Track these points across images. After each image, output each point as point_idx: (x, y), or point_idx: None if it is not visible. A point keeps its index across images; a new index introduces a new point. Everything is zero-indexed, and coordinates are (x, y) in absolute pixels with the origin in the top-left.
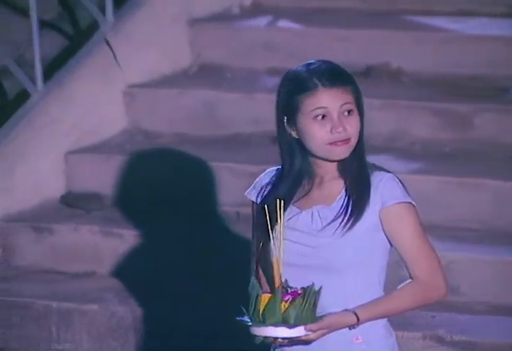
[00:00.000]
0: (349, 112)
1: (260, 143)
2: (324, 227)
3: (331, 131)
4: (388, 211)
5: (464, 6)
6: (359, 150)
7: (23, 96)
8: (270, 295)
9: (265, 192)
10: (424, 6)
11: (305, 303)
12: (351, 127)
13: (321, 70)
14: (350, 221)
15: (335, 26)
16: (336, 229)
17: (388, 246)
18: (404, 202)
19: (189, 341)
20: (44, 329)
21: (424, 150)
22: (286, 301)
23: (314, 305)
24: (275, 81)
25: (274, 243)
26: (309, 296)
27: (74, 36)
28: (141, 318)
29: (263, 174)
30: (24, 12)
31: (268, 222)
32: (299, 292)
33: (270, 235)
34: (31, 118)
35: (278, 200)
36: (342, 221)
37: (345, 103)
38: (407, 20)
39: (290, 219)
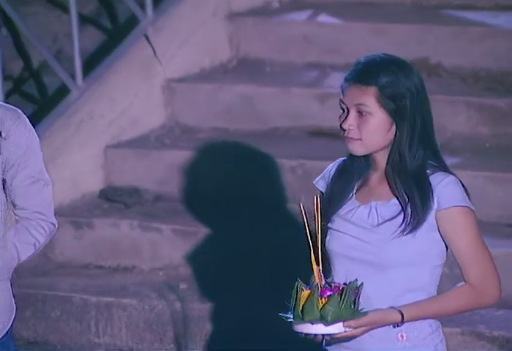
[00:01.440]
0: (362, 113)
1: (298, 137)
2: (380, 224)
3: (342, 126)
4: (444, 214)
5: (500, 0)
6: (399, 152)
7: (63, 91)
8: (310, 291)
9: (329, 182)
10: (464, 0)
11: (343, 300)
12: (364, 128)
13: (358, 64)
14: (409, 228)
15: (374, 20)
16: (394, 230)
17: (444, 247)
18: (462, 206)
19: (231, 337)
20: (84, 323)
21: (463, 145)
22: (325, 297)
23: (354, 301)
24: (313, 75)
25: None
26: (347, 292)
27: (113, 32)
28: (179, 313)
29: (332, 164)
30: (63, 7)
31: (318, 217)
32: (341, 288)
33: (318, 229)
34: (71, 114)
35: (316, 196)
36: (402, 224)
37: (359, 104)
38: (446, 15)
39: (348, 211)
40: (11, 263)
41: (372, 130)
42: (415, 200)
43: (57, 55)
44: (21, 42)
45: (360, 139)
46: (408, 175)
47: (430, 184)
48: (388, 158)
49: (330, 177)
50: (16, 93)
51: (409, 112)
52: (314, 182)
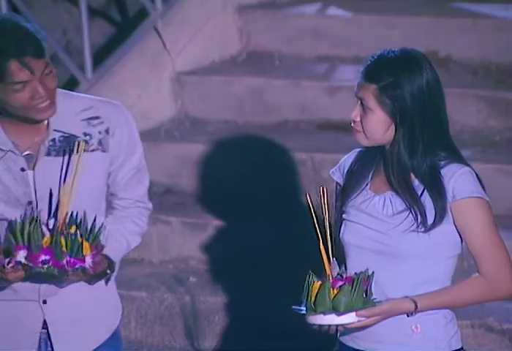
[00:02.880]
0: (364, 109)
1: (307, 130)
2: (394, 214)
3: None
4: (459, 205)
5: None
6: (398, 151)
7: (73, 83)
8: (321, 282)
9: (344, 173)
10: None
11: (355, 289)
12: (365, 122)
13: (370, 58)
14: (427, 225)
15: (384, 13)
16: (411, 223)
17: (459, 238)
18: (476, 197)
19: (241, 331)
20: None
21: (473, 138)
22: (336, 288)
23: (366, 291)
24: (323, 68)
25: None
26: (358, 282)
27: (122, 24)
28: (189, 306)
29: (348, 155)
30: (72, 0)
31: (326, 208)
32: (352, 278)
33: (326, 221)
34: None
35: (321, 187)
36: (417, 220)
37: (362, 98)
38: (457, 7)
39: (363, 202)
40: (121, 255)
41: (371, 126)
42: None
43: (66, 47)
44: None
45: (363, 132)
46: (402, 172)
47: (441, 180)
48: (387, 154)
49: (346, 168)
50: None
51: (410, 114)
52: (330, 173)
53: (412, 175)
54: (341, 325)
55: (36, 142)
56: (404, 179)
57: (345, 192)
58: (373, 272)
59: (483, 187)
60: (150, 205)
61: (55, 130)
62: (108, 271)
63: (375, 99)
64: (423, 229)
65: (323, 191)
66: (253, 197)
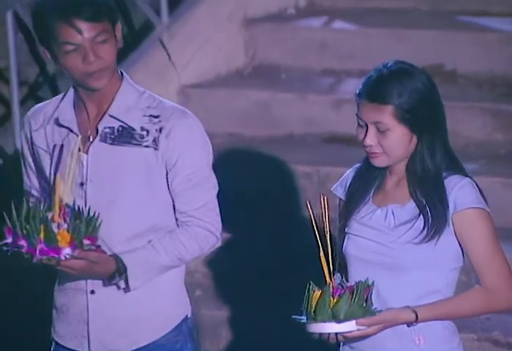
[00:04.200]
0: (381, 131)
1: (313, 144)
2: (396, 226)
3: (362, 142)
4: (460, 216)
5: None
6: (422, 162)
7: None
8: (321, 291)
9: (347, 188)
10: (480, 6)
11: (355, 298)
12: (385, 143)
13: (369, 80)
14: (430, 235)
15: (390, 27)
16: (414, 235)
17: (460, 250)
18: (477, 208)
19: (245, 346)
20: None
21: (479, 151)
22: (336, 297)
23: (366, 300)
24: (329, 81)
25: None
26: (358, 290)
27: (128, 37)
28: (194, 319)
29: (349, 170)
30: None
31: (326, 216)
32: (353, 287)
33: (326, 229)
34: None
35: (322, 197)
36: (423, 230)
37: (377, 122)
38: (463, 21)
39: (366, 215)
40: (148, 264)
41: (394, 144)
42: (436, 206)
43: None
44: (36, 48)
45: (384, 153)
46: (427, 182)
47: (444, 188)
48: (410, 166)
49: (348, 183)
50: (31, 99)
51: (427, 121)
52: (332, 189)
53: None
54: (341, 333)
55: (95, 125)
56: (431, 189)
57: (348, 207)
58: (373, 281)
59: (484, 198)
60: (211, 227)
61: (110, 115)
62: (117, 274)
63: (395, 119)
64: (425, 240)
65: (323, 198)
66: (258, 211)
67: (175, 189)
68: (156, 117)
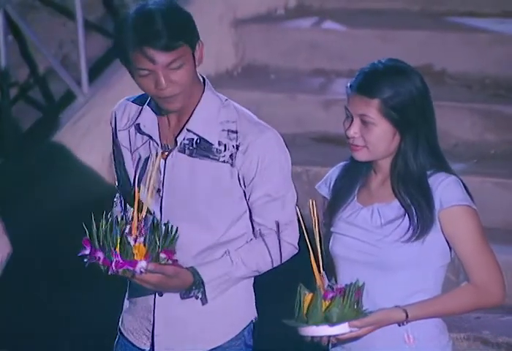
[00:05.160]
0: (366, 124)
1: (303, 144)
2: (383, 225)
3: (346, 133)
4: (446, 213)
5: (508, 7)
6: (405, 160)
7: (69, 98)
8: (312, 294)
9: (331, 187)
10: (470, 7)
11: (346, 300)
12: (368, 137)
13: (361, 73)
14: (417, 234)
15: (379, 27)
16: (401, 233)
17: (447, 247)
18: (464, 205)
19: None
20: None
21: (469, 151)
22: (328, 299)
23: (357, 301)
24: (318, 82)
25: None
26: (349, 293)
27: None
28: None
29: (334, 168)
30: (69, 14)
31: (316, 220)
32: (343, 289)
33: (316, 232)
34: (77, 120)
35: (311, 200)
36: (409, 230)
37: (363, 114)
38: (453, 22)
39: (351, 214)
40: (225, 276)
41: (376, 139)
42: (421, 205)
43: (63, 61)
44: (27, 49)
45: (365, 146)
46: (410, 181)
47: (429, 187)
48: (393, 165)
49: (332, 182)
50: (22, 100)
51: (413, 121)
52: (316, 187)
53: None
54: (334, 335)
55: (174, 135)
56: (412, 188)
57: (333, 206)
58: (363, 283)
59: (470, 195)
60: (289, 239)
61: (188, 129)
62: (194, 287)
63: (380, 113)
64: (412, 239)
65: (313, 204)
66: None
67: (252, 203)
68: (234, 132)
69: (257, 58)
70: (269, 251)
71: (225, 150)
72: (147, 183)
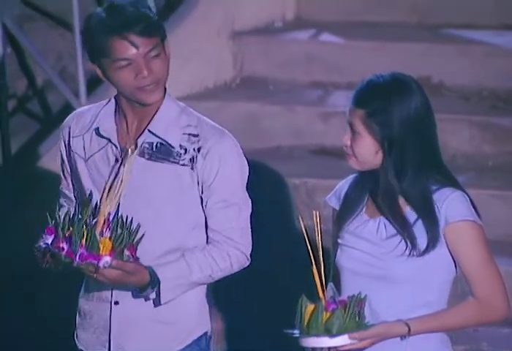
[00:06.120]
0: (353, 133)
1: (301, 156)
2: (388, 238)
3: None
4: (452, 228)
5: (505, 19)
6: (386, 176)
7: (67, 109)
8: (314, 305)
9: (341, 199)
10: (467, 19)
11: (348, 312)
12: (354, 146)
13: (361, 83)
14: (418, 251)
15: (377, 39)
16: (404, 247)
17: (452, 261)
18: (469, 221)
19: None
20: None
21: (467, 163)
22: (329, 311)
23: (359, 313)
24: (316, 94)
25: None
26: (351, 305)
27: None
28: None
29: (343, 181)
30: (67, 25)
31: (319, 232)
32: (345, 301)
33: (319, 244)
34: None
35: (315, 212)
36: (412, 246)
37: (351, 123)
38: (450, 34)
39: (358, 226)
40: (181, 279)
41: (360, 150)
42: (399, 225)
43: (61, 73)
44: (25, 61)
45: (354, 156)
46: (393, 198)
47: (433, 206)
48: (378, 179)
49: (342, 194)
50: (20, 112)
51: (398, 140)
52: (326, 199)
53: (403, 200)
54: (334, 347)
55: (134, 138)
56: (392, 205)
57: (341, 217)
58: (366, 295)
59: (476, 211)
60: (243, 248)
61: (149, 131)
62: (150, 286)
63: (363, 125)
64: (416, 254)
65: (317, 215)
66: None
67: (209, 209)
68: (195, 136)
69: (256, 70)
70: (222, 259)
71: (186, 153)
72: (118, 186)
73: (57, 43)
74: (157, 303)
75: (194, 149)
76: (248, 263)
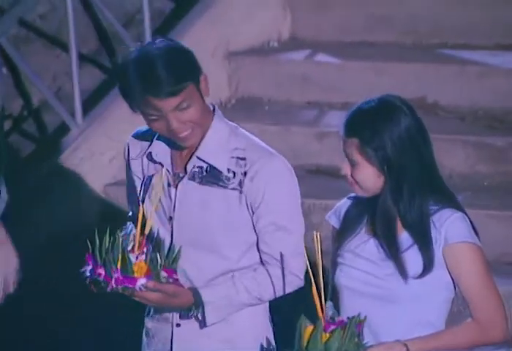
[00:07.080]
0: (352, 163)
1: (297, 176)
2: (388, 258)
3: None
4: (451, 249)
5: (501, 40)
6: (390, 198)
7: (63, 130)
8: (313, 326)
9: (341, 217)
10: (462, 39)
11: (347, 333)
12: (355, 176)
13: (349, 112)
14: (417, 275)
15: (372, 60)
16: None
17: (451, 282)
18: (468, 242)
19: None
20: None
21: (462, 183)
22: (328, 332)
23: (358, 335)
24: (312, 114)
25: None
26: (350, 326)
27: (112, 70)
28: None
29: (344, 199)
30: (63, 46)
31: (319, 253)
32: (344, 322)
33: (319, 265)
34: (71, 152)
35: (315, 232)
36: (401, 272)
37: (347, 154)
38: (445, 54)
39: (358, 245)
40: (226, 300)
41: (361, 178)
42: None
43: (57, 93)
44: (21, 81)
45: (357, 184)
46: (389, 221)
47: (429, 230)
48: (379, 202)
49: (342, 212)
50: (16, 132)
51: (394, 161)
52: (326, 217)
53: (400, 225)
54: None
55: (184, 163)
56: (387, 229)
57: (341, 235)
58: (365, 316)
59: (476, 232)
60: (294, 270)
61: (197, 157)
62: (194, 307)
63: (359, 153)
64: (412, 277)
65: (317, 236)
66: None
67: (258, 232)
68: (242, 159)
69: (251, 91)
70: (272, 281)
71: (234, 177)
72: (152, 198)
73: (53, 63)
74: (203, 324)
75: (241, 173)
76: (302, 284)
